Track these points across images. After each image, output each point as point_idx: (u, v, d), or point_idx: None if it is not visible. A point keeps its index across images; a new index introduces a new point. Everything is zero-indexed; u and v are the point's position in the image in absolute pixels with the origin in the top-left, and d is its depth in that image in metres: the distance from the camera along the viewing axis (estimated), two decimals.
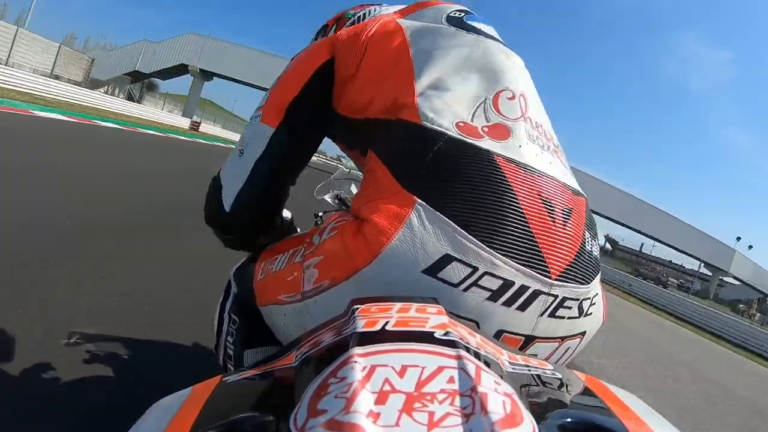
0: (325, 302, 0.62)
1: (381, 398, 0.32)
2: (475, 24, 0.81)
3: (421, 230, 0.55)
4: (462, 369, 0.36)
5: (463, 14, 0.82)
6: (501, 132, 0.63)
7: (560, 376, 0.43)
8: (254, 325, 0.76)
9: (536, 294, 0.58)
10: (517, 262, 0.56)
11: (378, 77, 0.72)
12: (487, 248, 0.55)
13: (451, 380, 0.34)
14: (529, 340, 0.61)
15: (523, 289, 0.57)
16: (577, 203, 0.65)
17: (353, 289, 0.59)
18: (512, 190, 0.57)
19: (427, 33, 0.76)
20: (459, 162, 0.58)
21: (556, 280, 0.58)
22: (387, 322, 0.43)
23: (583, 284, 0.62)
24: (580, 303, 0.63)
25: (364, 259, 0.57)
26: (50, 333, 1.80)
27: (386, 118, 0.67)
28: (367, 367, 0.35)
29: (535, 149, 0.64)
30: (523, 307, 0.58)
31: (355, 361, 0.36)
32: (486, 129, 0.62)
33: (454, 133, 0.61)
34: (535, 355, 0.59)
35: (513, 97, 0.69)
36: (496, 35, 0.81)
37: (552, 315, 0.60)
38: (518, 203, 0.57)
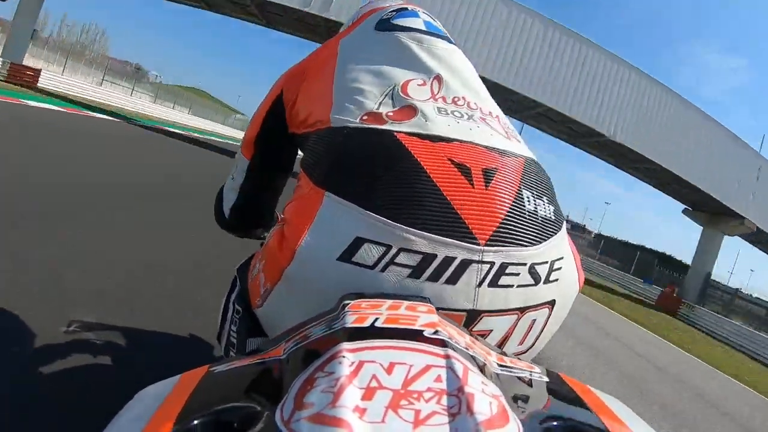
0: (272, 304, 0.64)
1: (368, 394, 0.32)
2: (402, 21, 0.84)
3: (331, 220, 0.57)
4: (450, 368, 0.36)
5: (394, 13, 0.86)
6: (406, 113, 0.64)
7: (547, 379, 0.43)
8: (256, 316, 0.77)
9: (466, 264, 0.54)
10: (436, 233, 0.54)
11: (311, 98, 0.77)
12: (397, 224, 0.54)
13: (438, 379, 0.35)
14: (474, 315, 0.56)
15: (449, 260, 0.54)
16: (508, 163, 0.62)
17: (284, 289, 0.61)
18: (416, 160, 0.57)
19: (355, 46, 0.82)
20: (361, 148, 0.60)
21: (486, 245, 0.55)
22: (377, 319, 0.44)
23: (525, 246, 0.58)
24: (531, 268, 0.58)
25: (287, 258, 0.59)
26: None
27: (308, 131, 0.72)
28: (355, 363, 0.36)
29: (447, 120, 0.64)
30: (453, 280, 0.55)
31: (343, 356, 0.36)
32: (391, 114, 0.64)
33: (356, 124, 0.63)
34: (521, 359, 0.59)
35: (424, 83, 0.71)
36: (422, 26, 0.84)
37: (494, 285, 0.56)
38: (425, 172, 0.56)
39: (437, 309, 0.53)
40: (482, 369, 0.39)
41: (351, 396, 0.32)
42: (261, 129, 0.86)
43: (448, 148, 0.59)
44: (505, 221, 0.57)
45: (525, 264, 0.58)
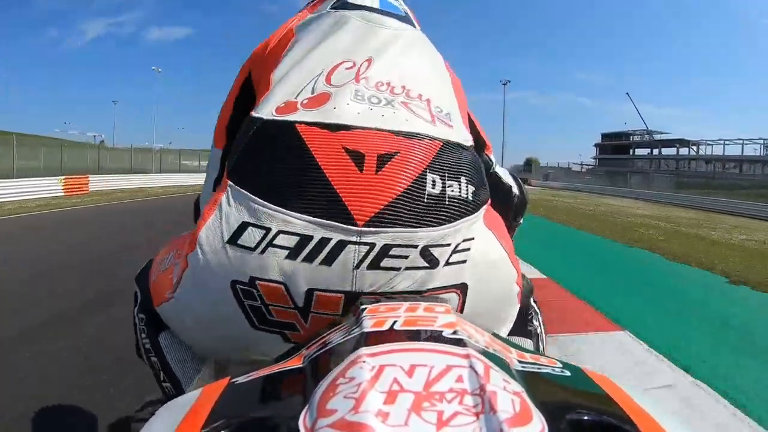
0: (181, 293, 0.67)
1: (390, 398, 0.32)
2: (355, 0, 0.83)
3: (227, 208, 0.60)
4: (471, 368, 0.36)
5: None
6: (319, 100, 0.65)
7: (569, 373, 0.43)
8: (158, 315, 0.78)
9: (342, 244, 0.56)
10: (314, 216, 0.56)
11: (263, 84, 0.76)
12: (279, 208, 0.57)
13: (459, 379, 0.34)
14: (353, 297, 0.57)
15: (325, 241, 0.56)
16: (416, 147, 0.62)
17: (190, 274, 0.64)
18: (308, 150, 0.59)
19: (307, 27, 0.81)
20: (263, 140, 0.63)
21: (365, 226, 0.56)
22: (395, 322, 0.44)
23: (416, 228, 0.58)
24: (425, 251, 0.58)
25: (191, 245, 0.63)
26: None
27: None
28: (375, 367, 0.36)
29: (359, 108, 0.64)
30: (328, 261, 0.56)
31: (364, 361, 0.36)
32: (306, 101, 0.65)
33: (268, 116, 0.65)
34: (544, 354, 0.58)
35: (353, 66, 0.71)
36: (376, 4, 0.82)
37: (375, 267, 0.57)
38: (314, 160, 0.58)
39: (314, 290, 0.56)
40: (503, 367, 0.38)
41: (373, 401, 0.32)
42: (232, 114, 0.83)
43: (346, 136, 0.61)
44: (393, 203, 0.57)
45: (416, 246, 0.58)
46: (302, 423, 0.33)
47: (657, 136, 53.00)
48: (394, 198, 0.57)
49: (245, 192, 0.60)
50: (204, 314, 0.66)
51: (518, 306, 0.78)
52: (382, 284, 0.58)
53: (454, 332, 0.41)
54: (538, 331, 1.00)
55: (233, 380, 0.44)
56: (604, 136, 62.02)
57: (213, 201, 0.64)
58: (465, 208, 0.62)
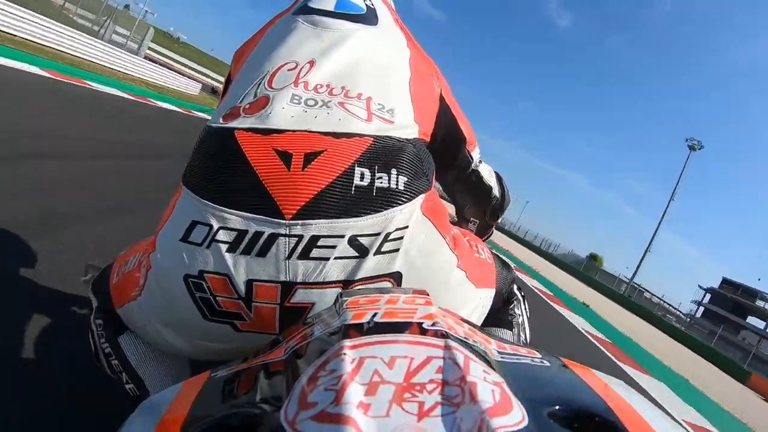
0: (147, 290, 0.70)
1: (371, 389, 0.33)
2: (315, 2, 0.86)
3: (180, 210, 0.66)
4: (450, 359, 0.36)
5: None
6: (259, 104, 0.69)
7: (549, 363, 0.44)
8: (118, 317, 0.79)
9: (273, 237, 0.60)
10: (248, 212, 0.61)
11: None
12: (218, 206, 0.62)
13: (439, 370, 0.35)
14: (288, 286, 0.61)
15: (258, 234, 0.60)
16: (344, 144, 0.65)
17: (153, 273, 0.68)
18: (243, 153, 0.64)
19: (273, 34, 0.86)
20: (208, 146, 0.68)
21: (292, 219, 0.60)
22: (375, 314, 0.44)
23: (342, 218, 0.61)
24: (353, 240, 0.61)
25: (153, 246, 0.68)
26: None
27: None
28: (356, 359, 0.36)
29: (294, 111, 0.68)
30: (262, 253, 0.60)
31: (344, 353, 0.36)
32: (247, 106, 0.70)
33: (215, 124, 0.70)
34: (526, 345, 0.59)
35: (294, 67, 0.74)
36: (330, 6, 0.85)
37: (305, 257, 0.60)
38: (248, 162, 0.63)
39: (252, 281, 0.59)
40: (483, 357, 0.39)
41: (354, 392, 0.32)
42: None
43: (277, 138, 0.65)
44: (319, 196, 0.61)
45: (342, 236, 0.61)
46: (284, 416, 0.32)
47: None
48: (319, 191, 0.61)
49: (193, 194, 0.64)
50: (165, 309, 0.68)
51: (478, 291, 0.80)
52: (313, 274, 0.61)
53: (434, 324, 0.42)
54: (521, 320, 1.02)
55: (213, 374, 0.43)
56: (726, 282, 44.99)
57: (171, 205, 0.68)
58: (396, 199, 0.65)
